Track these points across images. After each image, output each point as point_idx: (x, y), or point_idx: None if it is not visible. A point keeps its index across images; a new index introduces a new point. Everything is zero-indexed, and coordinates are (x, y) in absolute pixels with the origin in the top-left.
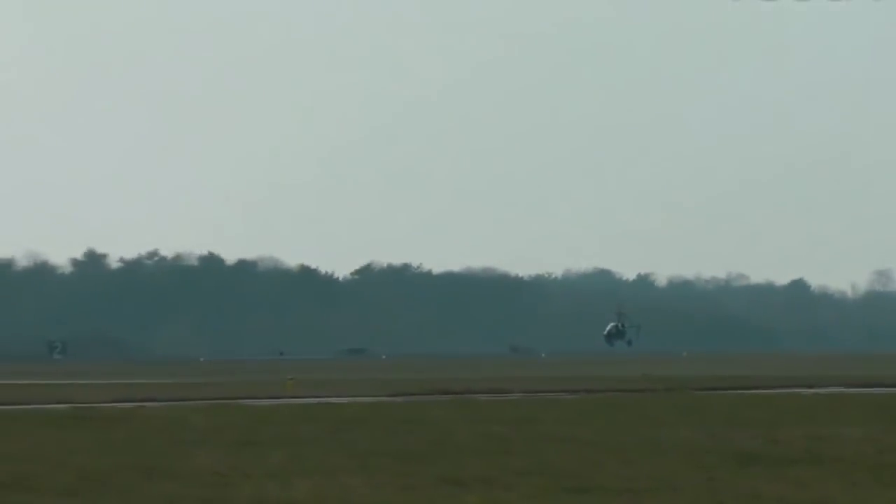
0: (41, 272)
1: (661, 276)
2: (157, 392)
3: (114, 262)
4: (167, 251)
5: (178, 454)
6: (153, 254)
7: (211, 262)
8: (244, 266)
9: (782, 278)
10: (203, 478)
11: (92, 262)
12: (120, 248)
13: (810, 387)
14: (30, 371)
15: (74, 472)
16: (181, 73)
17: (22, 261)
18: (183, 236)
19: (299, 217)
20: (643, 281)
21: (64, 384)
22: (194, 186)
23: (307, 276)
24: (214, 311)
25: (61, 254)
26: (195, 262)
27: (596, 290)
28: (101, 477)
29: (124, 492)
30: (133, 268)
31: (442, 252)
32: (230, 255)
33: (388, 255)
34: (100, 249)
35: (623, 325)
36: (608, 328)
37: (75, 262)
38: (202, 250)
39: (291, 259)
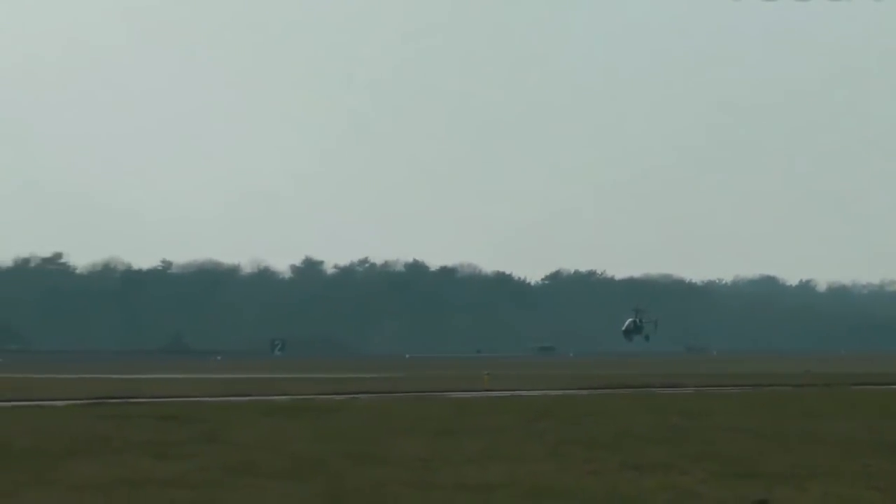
0: (264, 277)
1: (821, 282)
2: (368, 386)
3: (329, 269)
4: (377, 259)
5: (386, 442)
6: (364, 261)
7: (416, 269)
8: (446, 272)
9: None
10: (408, 463)
11: (309, 269)
12: (334, 256)
13: None
14: (254, 366)
15: (293, 457)
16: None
17: (247, 267)
18: (391, 245)
19: (496, 227)
20: (804, 286)
21: (284, 378)
22: (400, 200)
23: (503, 282)
24: (419, 313)
25: (282, 261)
26: (402, 269)
27: (761, 294)
28: (317, 462)
29: (337, 476)
30: (346, 274)
31: (624, 260)
32: (433, 262)
33: (576, 262)
34: (316, 257)
35: (641, 321)
36: (626, 324)
37: (294, 269)
38: (408, 258)
39: (488, 266)
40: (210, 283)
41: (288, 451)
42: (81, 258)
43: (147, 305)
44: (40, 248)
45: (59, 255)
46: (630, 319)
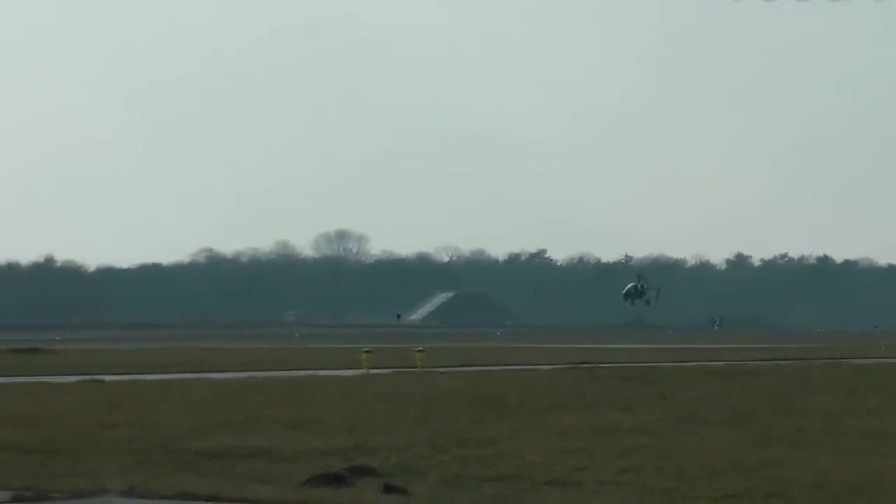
0: (703, 268)
1: None
2: (787, 354)
3: (755, 262)
4: (794, 253)
5: (802, 398)
6: (784, 255)
7: (824, 262)
8: (849, 264)
9: None
10: (820, 415)
11: (740, 261)
12: (760, 251)
13: None
14: (696, 339)
15: (729, 410)
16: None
17: (691, 260)
18: (805, 242)
19: (884, 223)
20: None
21: (720, 348)
22: (812, 204)
23: (892, 272)
24: (828, 297)
25: (718, 254)
26: (814, 262)
27: None
28: (748, 414)
29: (764, 424)
30: (769, 265)
31: None
32: (838, 256)
33: None
34: (745, 252)
35: (642, 286)
36: (627, 288)
37: (728, 262)
38: (819, 252)
39: (883, 259)
40: (661, 272)
41: (725, 406)
42: (561, 253)
43: (613, 290)
44: (529, 245)
45: (543, 251)
46: (631, 284)
